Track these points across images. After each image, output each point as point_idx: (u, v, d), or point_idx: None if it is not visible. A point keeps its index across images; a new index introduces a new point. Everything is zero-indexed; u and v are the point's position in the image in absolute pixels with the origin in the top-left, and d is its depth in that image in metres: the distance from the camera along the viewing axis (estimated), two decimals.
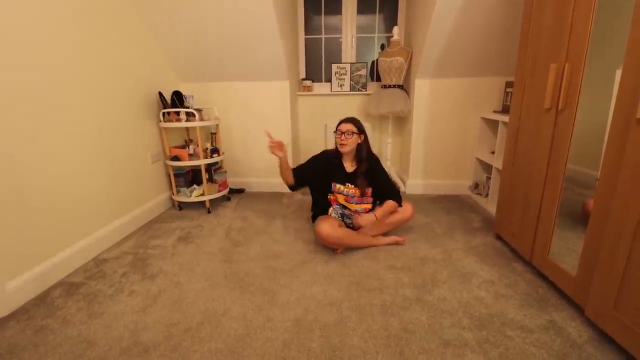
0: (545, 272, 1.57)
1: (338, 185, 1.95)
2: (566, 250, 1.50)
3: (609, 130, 1.18)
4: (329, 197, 2.00)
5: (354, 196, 1.94)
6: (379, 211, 1.91)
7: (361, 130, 1.91)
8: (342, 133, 1.87)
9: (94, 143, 1.94)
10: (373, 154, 1.99)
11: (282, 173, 1.99)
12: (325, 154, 2.02)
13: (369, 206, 1.98)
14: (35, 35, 1.57)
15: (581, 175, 1.53)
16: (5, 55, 1.44)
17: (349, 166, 1.97)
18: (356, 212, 1.96)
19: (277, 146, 1.87)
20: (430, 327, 1.32)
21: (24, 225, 1.53)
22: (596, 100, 1.42)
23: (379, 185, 1.96)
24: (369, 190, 1.96)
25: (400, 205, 1.98)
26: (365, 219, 1.86)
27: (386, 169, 3.16)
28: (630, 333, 1.11)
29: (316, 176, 1.99)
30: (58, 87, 1.69)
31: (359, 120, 1.93)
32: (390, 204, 1.93)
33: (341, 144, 1.87)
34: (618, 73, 1.15)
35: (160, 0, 2.25)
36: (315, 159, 2.03)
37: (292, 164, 3.02)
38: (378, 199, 2.00)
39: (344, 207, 1.97)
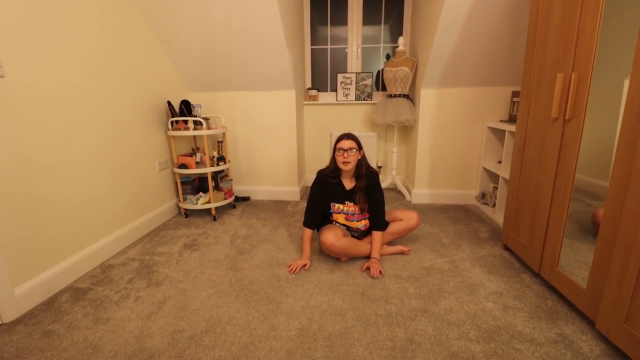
0: (554, 284, 1.54)
1: (337, 205, 1.91)
2: (576, 262, 1.47)
3: (617, 140, 1.17)
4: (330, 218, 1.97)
5: (355, 214, 1.91)
6: (376, 251, 1.86)
7: (360, 146, 1.87)
8: (345, 150, 1.81)
9: (104, 151, 1.97)
10: (372, 169, 1.93)
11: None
12: (321, 175, 1.94)
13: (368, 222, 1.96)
14: (46, 45, 1.62)
15: (590, 186, 1.51)
16: (17, 63, 1.48)
17: (348, 183, 1.92)
18: (358, 229, 1.94)
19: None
20: (437, 339, 1.30)
21: (33, 232, 1.56)
22: (604, 109, 1.41)
23: (371, 205, 1.90)
24: (367, 206, 1.91)
25: (384, 230, 1.93)
26: (375, 264, 1.81)
27: (391, 178, 3.20)
28: None
29: (321, 203, 1.94)
30: (68, 96, 1.74)
31: (356, 136, 1.88)
32: (379, 237, 1.89)
33: (345, 162, 1.82)
34: (626, 83, 1.15)
35: (170, 11, 2.31)
36: (314, 188, 1.94)
37: (297, 172, 3.05)
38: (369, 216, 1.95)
39: (346, 227, 1.95)
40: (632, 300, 1.11)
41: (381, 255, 1.93)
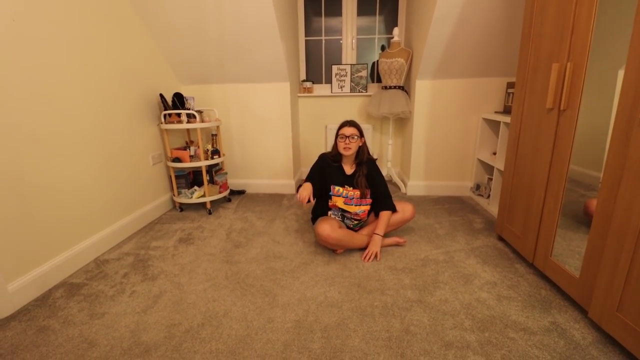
0: (548, 273, 1.56)
1: (337, 188, 1.94)
2: (569, 252, 1.49)
3: (611, 131, 1.17)
4: (329, 202, 1.99)
5: (353, 198, 1.93)
6: (380, 228, 1.90)
7: (362, 133, 1.92)
8: (346, 137, 1.87)
9: (96, 145, 1.94)
10: (370, 156, 1.99)
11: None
12: (323, 157, 2.00)
13: (368, 208, 1.97)
14: (36, 38, 1.58)
15: (583, 176, 1.52)
16: (6, 57, 1.44)
17: (349, 168, 1.97)
18: (356, 214, 1.95)
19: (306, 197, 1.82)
20: (432, 329, 1.31)
21: (26, 227, 1.53)
22: (598, 100, 1.41)
23: (376, 189, 1.95)
24: (369, 192, 1.95)
25: (394, 210, 1.97)
26: (375, 244, 1.86)
27: (386, 170, 3.20)
28: (635, 335, 1.09)
29: (319, 181, 1.97)
30: (59, 89, 1.70)
31: (358, 124, 1.93)
32: (386, 216, 1.93)
33: (346, 148, 1.87)
34: (620, 73, 1.15)
35: (161, 2, 2.26)
36: (315, 166, 1.99)
37: (292, 165, 3.03)
38: (373, 202, 1.98)
39: (344, 210, 1.96)
40: (624, 289, 1.13)
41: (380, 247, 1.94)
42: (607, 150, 1.20)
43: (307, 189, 1.83)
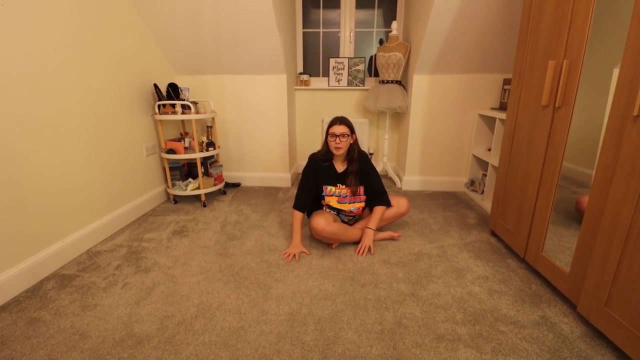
0: (538, 268, 1.58)
1: (329, 188, 1.92)
2: (560, 247, 1.51)
3: (605, 129, 1.18)
4: (322, 202, 1.97)
5: (346, 196, 1.92)
6: (373, 222, 1.90)
7: (353, 130, 1.88)
8: (337, 136, 1.82)
9: (88, 135, 1.91)
10: (362, 151, 1.96)
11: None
12: (313, 159, 1.95)
13: (362, 204, 1.97)
14: (29, 26, 1.53)
15: (575, 173, 1.54)
16: None
17: (340, 166, 1.94)
18: (350, 212, 1.95)
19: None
20: (424, 322, 1.32)
21: (17, 218, 1.51)
22: (593, 98, 1.42)
23: (370, 186, 1.94)
24: (361, 189, 1.94)
25: (389, 206, 1.98)
26: (368, 238, 1.87)
27: (382, 165, 3.21)
28: (622, 329, 1.12)
29: (314, 185, 1.94)
30: (51, 79, 1.66)
31: (348, 120, 1.89)
32: (379, 211, 1.93)
33: (337, 148, 1.83)
34: (615, 72, 1.15)
35: None
36: (307, 171, 1.95)
37: (288, 158, 3.02)
38: (367, 198, 1.97)
39: (339, 209, 1.95)
40: (612, 284, 1.15)
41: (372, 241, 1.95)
42: (600, 148, 1.21)
43: (297, 248, 1.84)
